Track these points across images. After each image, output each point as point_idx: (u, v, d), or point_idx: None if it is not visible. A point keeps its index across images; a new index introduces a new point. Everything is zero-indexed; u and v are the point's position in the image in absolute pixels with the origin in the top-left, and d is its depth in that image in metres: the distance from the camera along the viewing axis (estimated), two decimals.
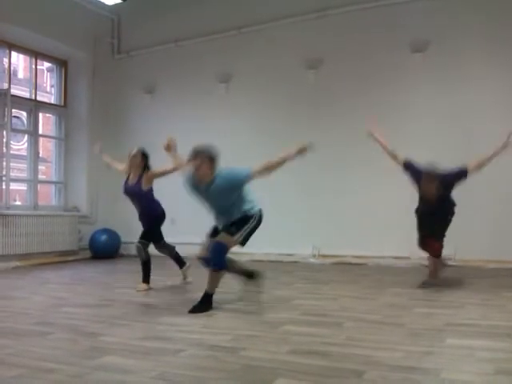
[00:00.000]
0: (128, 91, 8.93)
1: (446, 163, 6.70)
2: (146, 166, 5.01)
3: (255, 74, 7.80)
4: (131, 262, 7.60)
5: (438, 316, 3.51)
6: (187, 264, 5.36)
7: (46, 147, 10.63)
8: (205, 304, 3.91)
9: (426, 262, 6.23)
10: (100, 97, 8.84)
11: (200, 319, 3.58)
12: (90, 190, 8.64)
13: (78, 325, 3.44)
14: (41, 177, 9.37)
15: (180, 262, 5.39)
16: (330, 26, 7.28)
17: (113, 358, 2.64)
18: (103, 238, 8.19)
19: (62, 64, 8.76)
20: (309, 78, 7.37)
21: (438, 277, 4.83)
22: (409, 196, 6.55)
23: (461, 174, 4.61)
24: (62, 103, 8.76)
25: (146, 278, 5.03)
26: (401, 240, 6.60)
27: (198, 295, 4.55)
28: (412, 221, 6.44)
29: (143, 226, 5.11)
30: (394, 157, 4.88)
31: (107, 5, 8.22)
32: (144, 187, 4.97)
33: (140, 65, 8.80)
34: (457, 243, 5.52)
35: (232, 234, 3.84)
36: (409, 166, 4.79)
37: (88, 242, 8.27)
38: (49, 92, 12.35)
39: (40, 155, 9.00)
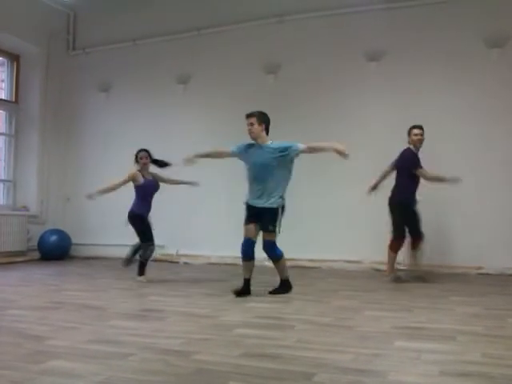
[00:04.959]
0: (82, 89, 8.73)
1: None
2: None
3: (214, 76, 7.77)
4: (82, 264, 7.42)
5: (386, 319, 3.59)
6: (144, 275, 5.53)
7: None
8: (284, 287, 4.71)
9: (378, 266, 6.41)
10: (53, 93, 8.61)
11: (151, 323, 3.52)
12: (40, 189, 8.38)
13: (24, 328, 3.32)
14: None
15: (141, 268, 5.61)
16: (289, 31, 7.35)
17: (59, 362, 2.56)
18: (53, 238, 7.96)
19: (13, 58, 8.48)
20: (268, 82, 7.41)
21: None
22: (362, 201, 6.71)
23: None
24: (13, 99, 8.47)
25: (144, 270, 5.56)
26: (353, 244, 6.73)
27: (150, 299, 4.51)
28: (364, 226, 6.56)
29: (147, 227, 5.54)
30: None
31: None
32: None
33: (96, 62, 8.63)
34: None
35: (272, 231, 4.57)
36: None
37: (37, 242, 8.02)
38: None
39: None
